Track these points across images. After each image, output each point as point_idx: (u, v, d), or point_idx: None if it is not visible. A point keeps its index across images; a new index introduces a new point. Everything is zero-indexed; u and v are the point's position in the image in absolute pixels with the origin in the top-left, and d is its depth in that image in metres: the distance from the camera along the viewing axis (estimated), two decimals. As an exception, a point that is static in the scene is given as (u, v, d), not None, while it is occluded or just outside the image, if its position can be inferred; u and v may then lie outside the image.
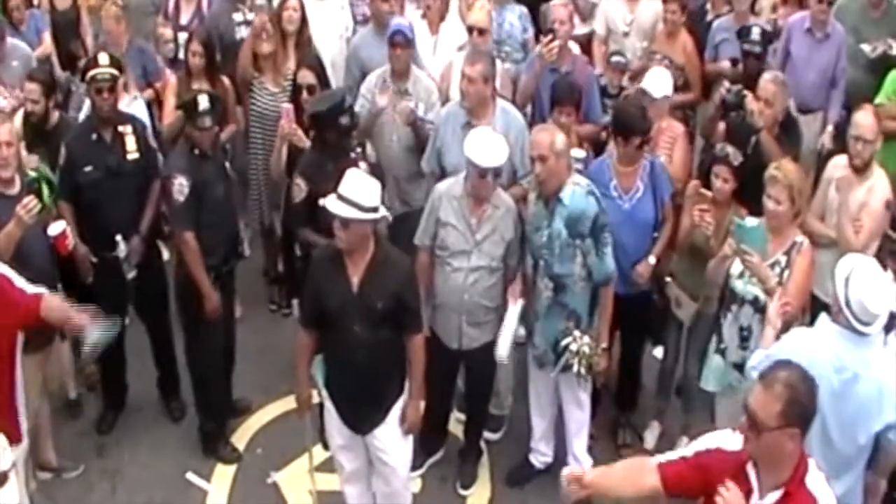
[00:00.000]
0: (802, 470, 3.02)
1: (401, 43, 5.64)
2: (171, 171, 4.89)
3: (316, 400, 4.60)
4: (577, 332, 4.67)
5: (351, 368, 4.23)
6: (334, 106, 4.93)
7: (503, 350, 4.80)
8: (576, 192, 4.55)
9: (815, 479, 3.05)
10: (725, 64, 6.37)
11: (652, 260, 5.04)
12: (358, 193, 4.07)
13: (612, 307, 4.77)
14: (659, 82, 5.59)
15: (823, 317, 3.74)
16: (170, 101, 5.95)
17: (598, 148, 5.72)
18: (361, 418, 4.36)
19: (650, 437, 5.52)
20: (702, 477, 3.12)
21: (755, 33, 6.07)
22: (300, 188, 4.99)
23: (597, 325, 4.75)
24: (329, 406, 4.41)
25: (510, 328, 4.78)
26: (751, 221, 4.39)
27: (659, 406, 5.55)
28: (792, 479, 3.00)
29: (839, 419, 3.61)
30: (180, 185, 4.80)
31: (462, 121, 5.22)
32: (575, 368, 4.71)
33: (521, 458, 5.23)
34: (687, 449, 3.22)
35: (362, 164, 4.93)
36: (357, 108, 5.42)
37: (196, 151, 4.89)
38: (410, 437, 4.49)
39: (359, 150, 5.06)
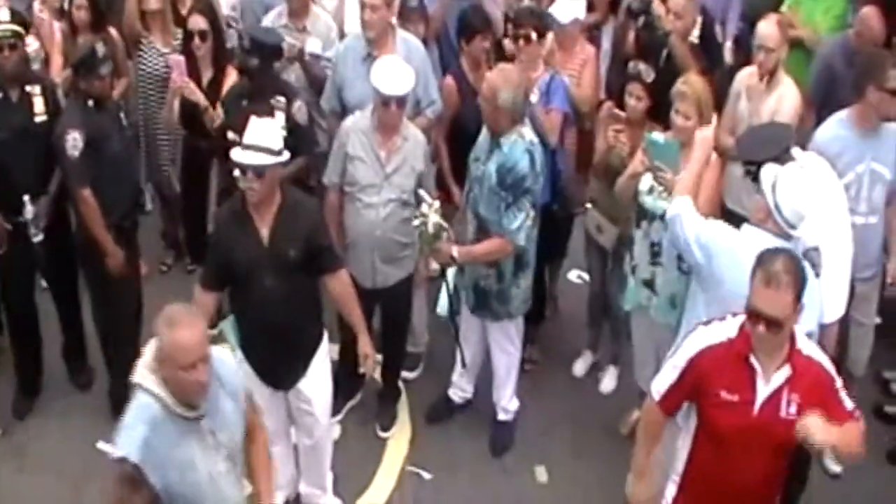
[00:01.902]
0: (794, 338, 3.12)
1: None
2: (63, 127, 4.65)
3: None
4: (436, 204, 4.38)
5: (267, 324, 4.04)
6: (276, 44, 4.96)
7: (441, 306, 4.77)
8: (516, 144, 4.37)
9: (805, 343, 3.18)
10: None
11: None
12: (266, 138, 3.91)
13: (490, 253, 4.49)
14: (567, 6, 5.41)
15: (746, 226, 3.73)
16: (56, 59, 5.67)
17: None
18: (283, 375, 4.20)
19: (580, 366, 5.48)
20: (693, 383, 3.23)
21: None
22: (218, 115, 5.04)
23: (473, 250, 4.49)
24: (246, 368, 4.17)
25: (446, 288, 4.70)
26: (659, 136, 4.29)
27: (590, 336, 5.48)
28: (790, 353, 3.11)
29: None
30: (74, 140, 4.59)
31: (362, 54, 5.07)
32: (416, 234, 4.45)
33: (440, 395, 5.14)
34: (675, 365, 3.27)
35: (278, 114, 4.78)
36: None
37: (90, 103, 4.68)
38: (330, 384, 4.34)
39: (281, 99, 4.87)
